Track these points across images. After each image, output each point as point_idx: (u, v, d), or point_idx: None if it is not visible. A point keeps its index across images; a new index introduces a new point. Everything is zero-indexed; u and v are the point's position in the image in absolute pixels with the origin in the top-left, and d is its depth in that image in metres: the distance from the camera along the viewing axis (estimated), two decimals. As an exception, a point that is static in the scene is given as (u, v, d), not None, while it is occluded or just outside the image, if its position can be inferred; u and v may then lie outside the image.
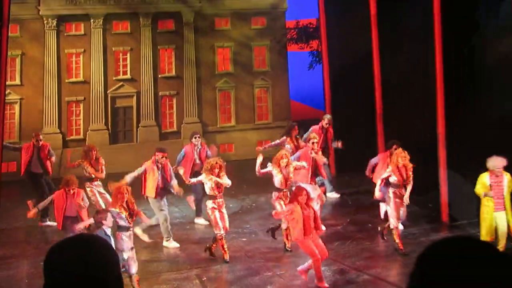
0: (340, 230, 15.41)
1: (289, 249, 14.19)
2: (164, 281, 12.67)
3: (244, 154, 21.23)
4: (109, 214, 11.54)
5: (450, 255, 2.18)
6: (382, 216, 14.87)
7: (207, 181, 13.88)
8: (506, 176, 12.96)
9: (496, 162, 13.00)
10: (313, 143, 15.59)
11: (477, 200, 13.42)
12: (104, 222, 11.40)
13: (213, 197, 13.87)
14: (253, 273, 13.10)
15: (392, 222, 13.95)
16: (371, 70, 17.34)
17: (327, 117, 17.42)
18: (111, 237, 11.39)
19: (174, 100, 21.76)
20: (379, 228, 14.64)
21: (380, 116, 17.36)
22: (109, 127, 20.97)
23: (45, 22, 20.64)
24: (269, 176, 14.59)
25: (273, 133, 20.04)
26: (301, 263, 13.55)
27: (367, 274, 13.03)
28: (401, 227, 15.22)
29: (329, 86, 19.59)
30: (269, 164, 14.46)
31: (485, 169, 13.07)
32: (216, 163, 13.98)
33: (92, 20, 21.04)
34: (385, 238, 14.54)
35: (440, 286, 2.13)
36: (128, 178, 14.38)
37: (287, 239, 14.25)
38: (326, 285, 12.33)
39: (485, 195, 13.08)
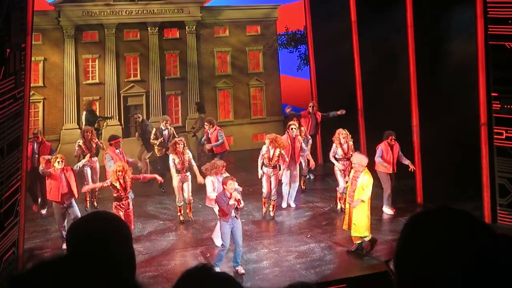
0: (327, 211, 15.34)
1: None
2: (173, 257, 12.63)
3: (241, 145, 21.13)
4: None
5: (432, 222, 2.08)
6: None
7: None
8: (365, 175, 12.66)
9: (358, 159, 12.88)
10: (291, 128, 15.46)
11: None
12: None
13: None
14: (251, 250, 13.07)
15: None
16: (353, 70, 17.30)
17: (311, 103, 17.56)
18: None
19: (179, 99, 21.65)
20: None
21: (361, 112, 17.32)
22: (122, 123, 20.84)
23: (64, 31, 20.49)
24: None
25: (267, 127, 19.99)
26: (293, 241, 13.50)
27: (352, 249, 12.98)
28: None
29: (316, 85, 19.54)
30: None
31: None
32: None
33: (105, 29, 20.90)
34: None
35: (421, 248, 2.04)
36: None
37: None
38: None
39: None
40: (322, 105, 18.21)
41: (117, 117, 20.85)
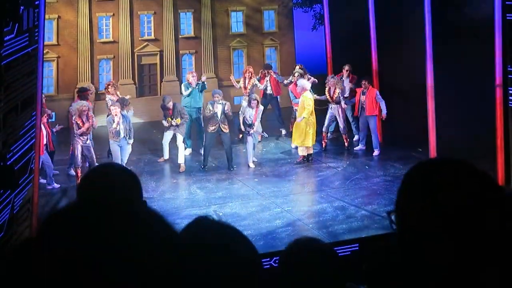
0: (340, 171, 15.37)
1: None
2: (185, 216, 12.70)
3: (255, 105, 21.09)
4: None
5: (432, 172, 2.08)
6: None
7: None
8: (302, 97, 15.31)
9: (301, 83, 15.62)
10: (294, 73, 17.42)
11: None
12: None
13: None
14: (264, 209, 13.15)
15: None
16: (368, 30, 17.19)
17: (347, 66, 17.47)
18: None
19: (193, 58, 21.63)
20: None
21: (376, 72, 17.26)
22: (136, 82, 20.86)
23: (78, -12, 20.44)
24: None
25: (281, 86, 19.80)
26: (306, 200, 13.59)
27: (364, 210, 13.05)
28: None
29: (330, 45, 19.41)
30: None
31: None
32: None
33: (120, -13, 20.84)
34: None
35: (419, 198, 2.02)
36: None
37: None
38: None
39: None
40: (336, 65, 18.15)
41: (130, 76, 20.86)
